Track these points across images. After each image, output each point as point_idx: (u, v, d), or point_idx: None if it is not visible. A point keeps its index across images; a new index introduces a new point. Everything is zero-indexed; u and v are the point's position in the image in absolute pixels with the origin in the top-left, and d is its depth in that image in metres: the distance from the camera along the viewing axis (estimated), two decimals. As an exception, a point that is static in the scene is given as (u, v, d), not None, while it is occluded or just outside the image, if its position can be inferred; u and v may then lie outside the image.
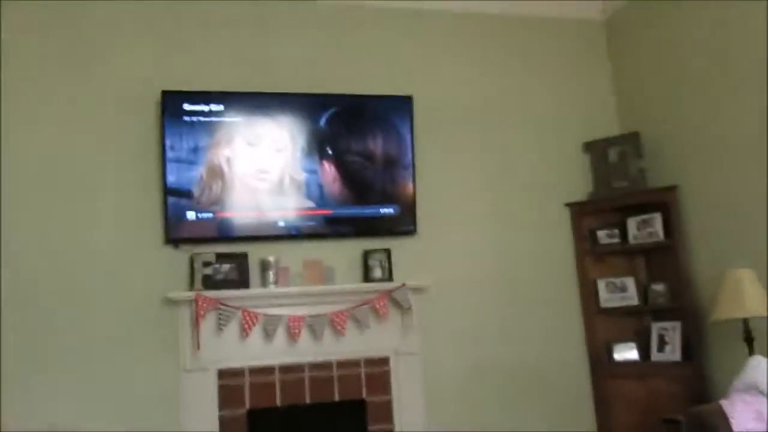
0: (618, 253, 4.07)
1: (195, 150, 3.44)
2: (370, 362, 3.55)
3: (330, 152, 3.61)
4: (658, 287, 3.93)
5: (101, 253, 3.41)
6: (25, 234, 3.33)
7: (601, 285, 4.05)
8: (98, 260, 3.40)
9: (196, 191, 3.42)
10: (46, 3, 3.51)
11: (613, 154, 4.08)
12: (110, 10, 3.60)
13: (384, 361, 3.57)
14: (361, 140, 3.65)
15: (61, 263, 3.35)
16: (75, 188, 3.42)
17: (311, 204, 3.56)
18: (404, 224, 3.69)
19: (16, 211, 3.32)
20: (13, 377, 3.19)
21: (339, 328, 3.48)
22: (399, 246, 3.72)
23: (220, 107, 3.51)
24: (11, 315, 3.25)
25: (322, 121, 3.62)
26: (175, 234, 3.41)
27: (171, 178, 3.41)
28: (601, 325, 4.00)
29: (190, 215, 3.42)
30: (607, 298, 4.04)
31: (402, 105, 3.75)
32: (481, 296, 3.85)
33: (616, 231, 4.06)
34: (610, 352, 3.98)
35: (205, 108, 3.48)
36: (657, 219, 3.90)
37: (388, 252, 3.67)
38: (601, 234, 4.08)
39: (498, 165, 4.03)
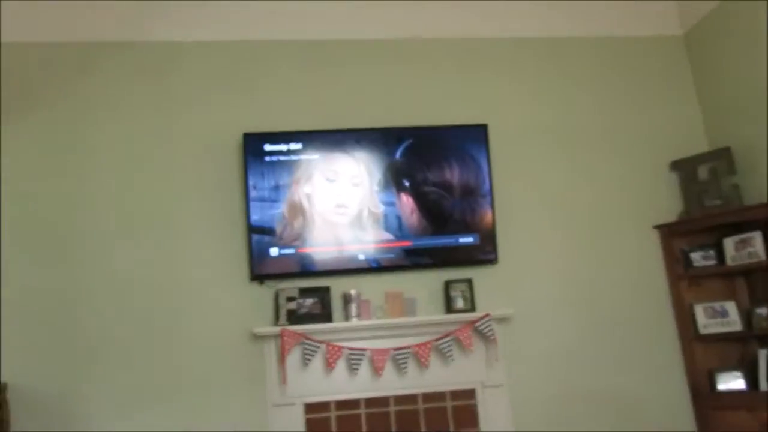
0: (715, 276, 3.86)
1: (276, 188, 3.49)
2: (456, 395, 3.48)
3: (407, 184, 3.58)
4: (763, 311, 3.67)
5: (190, 291, 3.45)
6: (117, 274, 3.42)
7: (699, 310, 3.84)
8: (187, 298, 3.44)
9: (278, 228, 3.45)
10: (134, 48, 3.65)
11: (703, 172, 3.90)
12: (191, 56, 3.71)
13: (470, 394, 3.49)
14: (437, 170, 3.61)
15: (151, 301, 3.40)
16: (164, 230, 3.49)
17: (390, 236, 3.53)
18: (485, 253, 3.61)
19: (105, 249, 3.41)
20: (101, 417, 3.23)
21: (423, 360, 3.42)
22: (480, 275, 3.66)
23: (299, 146, 3.56)
24: (104, 353, 3.33)
25: (398, 154, 3.61)
26: (260, 270, 3.44)
27: (254, 217, 3.46)
28: (700, 353, 3.79)
29: (274, 252, 3.45)
30: (705, 323, 3.81)
31: (477, 133, 3.70)
32: (567, 324, 3.71)
33: (712, 252, 3.84)
34: (712, 382, 3.74)
35: (284, 147, 3.54)
36: (757, 238, 3.67)
37: (469, 282, 3.61)
38: (696, 256, 3.87)
39: (579, 188, 3.91)
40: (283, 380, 3.35)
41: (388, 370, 3.41)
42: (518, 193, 3.83)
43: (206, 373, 3.38)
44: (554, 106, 3.96)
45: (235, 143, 3.62)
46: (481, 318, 3.48)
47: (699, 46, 4.14)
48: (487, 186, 3.66)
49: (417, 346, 3.42)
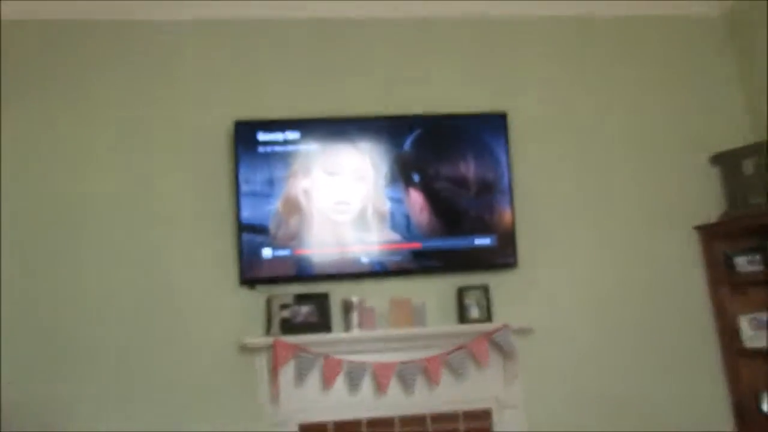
0: (762, 283, 3.49)
1: (270, 182, 3.28)
2: (470, 416, 3.24)
3: (416, 179, 3.37)
4: (817, 324, 3.30)
5: (172, 296, 3.26)
6: (92, 275, 3.24)
7: (744, 321, 3.47)
8: (168, 302, 3.25)
9: (272, 227, 3.25)
10: (112, 27, 3.45)
11: (747, 166, 3.54)
12: (177, 36, 3.50)
13: (485, 414, 3.25)
14: (450, 164, 3.39)
15: (129, 306, 3.22)
16: (145, 226, 3.30)
17: (397, 237, 3.32)
18: (503, 256, 3.38)
19: (83, 249, 3.24)
20: (81, 424, 3.07)
21: (432, 376, 3.20)
22: (498, 281, 3.44)
23: (296, 135, 3.34)
24: (79, 362, 3.16)
25: (407, 145, 3.39)
26: (251, 273, 3.22)
27: (245, 213, 3.24)
28: (745, 370, 3.44)
29: (266, 253, 3.23)
30: (751, 336, 3.45)
31: (496, 123, 3.46)
32: (596, 337, 3.47)
33: (758, 257, 3.48)
34: (759, 402, 3.39)
35: (279, 137, 3.32)
36: (810, 241, 3.31)
37: (485, 288, 3.39)
38: (740, 260, 3.50)
39: (609, 185, 3.63)
40: (275, 397, 3.15)
41: (394, 386, 3.20)
42: (541, 190, 3.59)
43: (190, 388, 3.19)
44: (582, 94, 3.70)
45: (225, 132, 3.41)
46: (499, 329, 3.26)
47: (742, 26, 3.83)
48: (506, 181, 3.43)
49: (426, 360, 3.21)
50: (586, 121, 3.69)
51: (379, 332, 3.25)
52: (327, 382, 3.15)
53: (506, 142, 3.46)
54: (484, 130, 3.43)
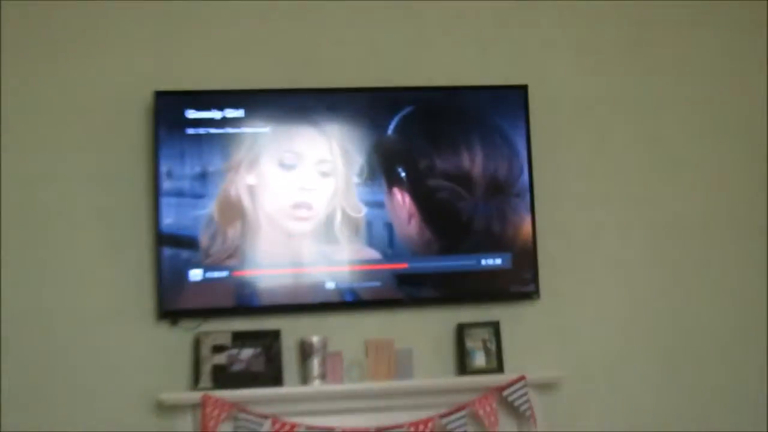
0: None
1: (203, 177, 3.00)
2: None
3: (403, 174, 3.14)
4: None
5: (66, 332, 2.98)
6: None
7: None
8: (61, 342, 2.98)
9: (203, 239, 3.00)
10: None
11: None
12: None
13: None
14: (450, 155, 3.18)
15: (12, 344, 2.90)
16: (30, 238, 3.01)
17: (376, 255, 3.12)
18: (519, 283, 3.19)
19: None
20: None
21: None
22: (512, 317, 3.21)
23: (239, 113, 3.06)
24: None
25: (391, 128, 3.15)
26: (173, 304, 2.97)
27: (167, 220, 2.97)
28: None
29: (195, 275, 2.98)
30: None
31: (512, 99, 3.23)
32: (644, 392, 3.22)
33: None
34: None
35: (216, 115, 3.04)
36: None
37: (495, 326, 3.15)
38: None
39: (661, 185, 3.39)
40: (203, 477, 2.85)
41: (369, 462, 2.96)
42: (572, 192, 3.35)
43: None
44: (624, 66, 3.43)
45: (141, 107, 3.09)
46: (512, 383, 3.03)
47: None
48: (525, 180, 3.21)
49: (413, 424, 2.95)
50: (632, 102, 3.44)
51: (350, 386, 3.05)
52: None
53: (526, 125, 3.23)
54: (496, 110, 3.23)
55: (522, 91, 3.21)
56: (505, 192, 3.16)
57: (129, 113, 3.07)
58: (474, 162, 3.16)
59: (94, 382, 2.93)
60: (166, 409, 2.86)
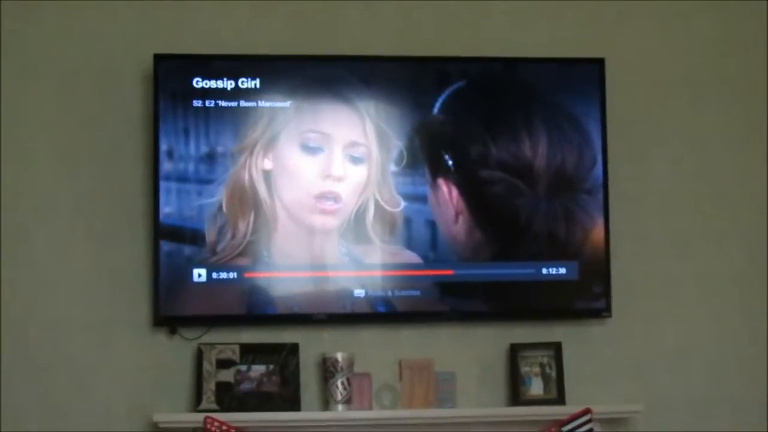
0: None
1: (210, 159, 3.11)
2: None
3: (450, 163, 3.22)
4: None
5: (42, 340, 3.13)
6: None
7: None
8: (35, 351, 3.12)
9: (209, 233, 3.10)
10: None
11: None
12: None
13: None
14: (508, 141, 3.25)
15: None
16: (8, 230, 3.15)
17: (415, 258, 3.20)
18: (587, 298, 3.26)
19: None
20: None
21: None
22: (577, 338, 3.30)
23: (255, 83, 3.16)
24: None
25: (437, 107, 3.23)
26: (172, 309, 3.09)
27: (167, 210, 3.08)
28: None
29: (199, 275, 3.09)
30: None
31: (585, 76, 3.30)
32: (738, 425, 3.26)
33: None
34: None
35: (229, 85, 3.15)
36: None
37: (556, 348, 3.23)
38: None
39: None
40: None
41: (401, 506, 3.14)
42: (655, 191, 3.42)
43: None
44: (721, 41, 3.51)
45: (138, 73, 3.21)
46: (575, 417, 3.08)
47: None
48: (598, 174, 3.26)
49: None
50: (733, 80, 3.48)
51: (379, 414, 3.13)
52: None
53: (601, 108, 3.29)
54: (565, 88, 3.30)
55: (597, 65, 3.27)
56: (573, 188, 3.22)
57: (123, 80, 3.17)
58: (536, 150, 3.21)
59: (77, 399, 3.05)
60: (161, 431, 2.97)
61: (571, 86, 3.28)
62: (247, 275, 3.10)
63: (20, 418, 3.08)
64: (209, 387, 3.04)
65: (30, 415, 3.07)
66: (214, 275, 3.08)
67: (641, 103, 3.44)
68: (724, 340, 3.34)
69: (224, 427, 2.91)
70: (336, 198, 3.15)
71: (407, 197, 3.18)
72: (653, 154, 3.43)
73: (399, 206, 3.18)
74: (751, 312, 3.37)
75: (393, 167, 3.19)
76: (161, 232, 3.06)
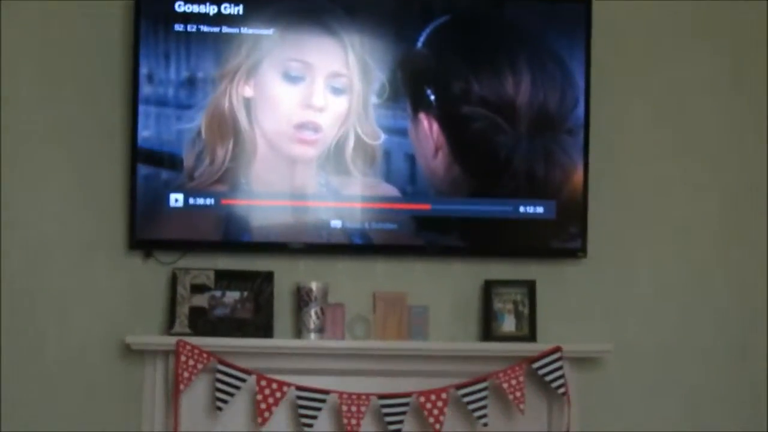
0: None
1: (190, 84, 3.13)
2: None
3: (432, 97, 3.24)
4: None
5: (20, 264, 3.17)
6: None
7: None
8: (9, 272, 3.15)
9: (187, 158, 3.13)
10: None
11: None
12: None
13: None
14: (490, 77, 3.26)
15: None
16: None
17: (393, 191, 3.23)
18: (563, 237, 3.30)
19: None
20: None
21: (433, 421, 3.05)
22: (552, 277, 3.34)
23: (238, 9, 3.17)
24: None
25: (421, 41, 3.25)
26: (148, 232, 3.15)
27: (145, 133, 3.11)
28: None
29: (176, 200, 3.14)
30: None
31: (572, 16, 3.31)
32: (703, 376, 3.36)
33: None
34: None
35: (211, 10, 3.15)
36: None
37: (530, 286, 3.28)
38: None
39: (749, 138, 3.46)
40: (173, 432, 3.06)
41: (367, 432, 3.12)
42: (636, 136, 3.44)
43: (42, 412, 3.11)
44: None
45: None
46: (546, 354, 3.15)
47: None
48: (580, 115, 3.28)
49: (423, 393, 3.07)
50: (723, 26, 3.49)
51: (351, 344, 3.19)
52: (260, 416, 3.01)
53: (586, 49, 3.30)
54: (551, 27, 3.32)
55: (584, 5, 3.27)
56: (554, 128, 3.24)
57: (104, 2, 3.15)
58: (519, 88, 3.23)
59: (50, 319, 3.13)
60: (133, 353, 3.05)
61: (556, 26, 3.29)
62: (224, 202, 3.14)
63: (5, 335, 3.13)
64: (183, 311, 3.09)
65: (7, 338, 3.13)
66: (191, 201, 3.12)
67: (627, 46, 3.45)
68: (697, 288, 3.40)
69: (196, 351, 2.97)
70: (316, 128, 3.17)
71: (387, 130, 3.21)
72: (636, 100, 3.45)
73: (379, 139, 3.21)
74: (726, 261, 3.42)
75: (374, 99, 3.21)
76: (139, 155, 3.09)
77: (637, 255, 3.41)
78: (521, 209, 3.27)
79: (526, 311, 3.24)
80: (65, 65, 3.21)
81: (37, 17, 3.20)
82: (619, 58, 3.43)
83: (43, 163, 3.18)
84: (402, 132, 3.21)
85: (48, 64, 3.20)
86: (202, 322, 3.07)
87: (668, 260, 3.41)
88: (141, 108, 3.08)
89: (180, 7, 3.11)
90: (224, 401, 2.98)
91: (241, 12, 3.15)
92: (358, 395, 3.03)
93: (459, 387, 3.07)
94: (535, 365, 3.09)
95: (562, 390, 3.08)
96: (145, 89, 3.08)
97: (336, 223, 3.18)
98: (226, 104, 3.12)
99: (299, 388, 3.02)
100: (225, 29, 3.13)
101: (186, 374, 2.95)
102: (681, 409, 3.35)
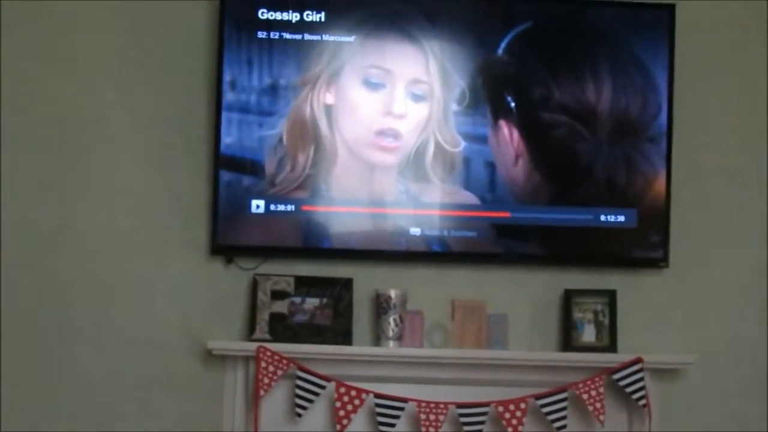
0: None
1: (273, 91, 3.16)
2: None
3: (513, 104, 3.23)
4: None
5: (99, 263, 3.21)
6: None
7: None
8: (93, 272, 3.21)
9: (269, 164, 3.17)
10: None
11: None
12: None
13: None
14: (572, 85, 3.25)
15: (40, 278, 3.18)
16: (64, 148, 3.23)
17: (472, 199, 3.23)
18: (645, 246, 3.27)
19: None
20: None
21: (512, 431, 3.05)
22: (633, 286, 3.31)
23: (320, 16, 3.20)
24: None
25: (502, 47, 3.24)
26: (229, 238, 3.17)
27: (228, 139, 3.14)
28: None
29: (257, 206, 3.16)
30: None
31: (655, 22, 3.29)
32: None
33: None
34: None
35: (294, 17, 3.19)
36: None
37: (611, 296, 3.25)
38: None
39: None
40: (254, 440, 3.07)
41: (447, 442, 3.13)
42: (721, 143, 3.39)
43: (123, 412, 3.14)
44: None
45: (202, 7, 3.27)
46: (626, 365, 3.12)
47: None
48: (662, 122, 3.26)
49: (502, 403, 3.06)
50: None
51: (430, 352, 3.19)
52: (339, 423, 3.02)
53: (670, 54, 3.27)
54: (633, 33, 3.29)
55: (667, 11, 3.24)
56: (636, 135, 3.22)
57: (189, 8, 3.21)
58: (600, 95, 3.21)
59: (133, 322, 3.17)
60: (215, 358, 3.09)
61: (639, 31, 3.27)
62: (304, 208, 3.16)
63: (75, 336, 3.18)
64: (263, 317, 3.11)
65: (86, 333, 3.18)
66: (272, 207, 3.14)
67: (710, 51, 3.41)
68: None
69: (276, 357, 3.00)
70: (396, 135, 3.18)
71: (467, 137, 3.20)
72: (721, 106, 3.41)
73: (459, 146, 3.21)
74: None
75: (454, 106, 3.21)
76: (221, 161, 3.13)
77: (721, 264, 3.37)
78: (602, 217, 3.26)
79: (606, 321, 3.22)
80: (151, 69, 3.25)
81: (122, 19, 3.25)
82: (704, 62, 3.40)
83: (128, 165, 3.22)
84: (482, 139, 3.21)
85: (133, 67, 3.24)
86: (282, 328, 3.10)
87: (752, 269, 3.36)
88: (224, 115, 3.12)
89: (263, 14, 3.14)
90: (303, 407, 3.00)
91: (323, 19, 3.17)
92: (437, 404, 3.02)
93: (538, 397, 3.06)
94: (616, 376, 3.08)
95: (642, 402, 3.06)
96: (228, 96, 3.12)
97: (415, 231, 3.19)
98: (308, 111, 3.15)
99: (378, 395, 3.03)
100: (307, 36, 3.16)
101: (266, 380, 2.98)
102: (762, 423, 3.28)
